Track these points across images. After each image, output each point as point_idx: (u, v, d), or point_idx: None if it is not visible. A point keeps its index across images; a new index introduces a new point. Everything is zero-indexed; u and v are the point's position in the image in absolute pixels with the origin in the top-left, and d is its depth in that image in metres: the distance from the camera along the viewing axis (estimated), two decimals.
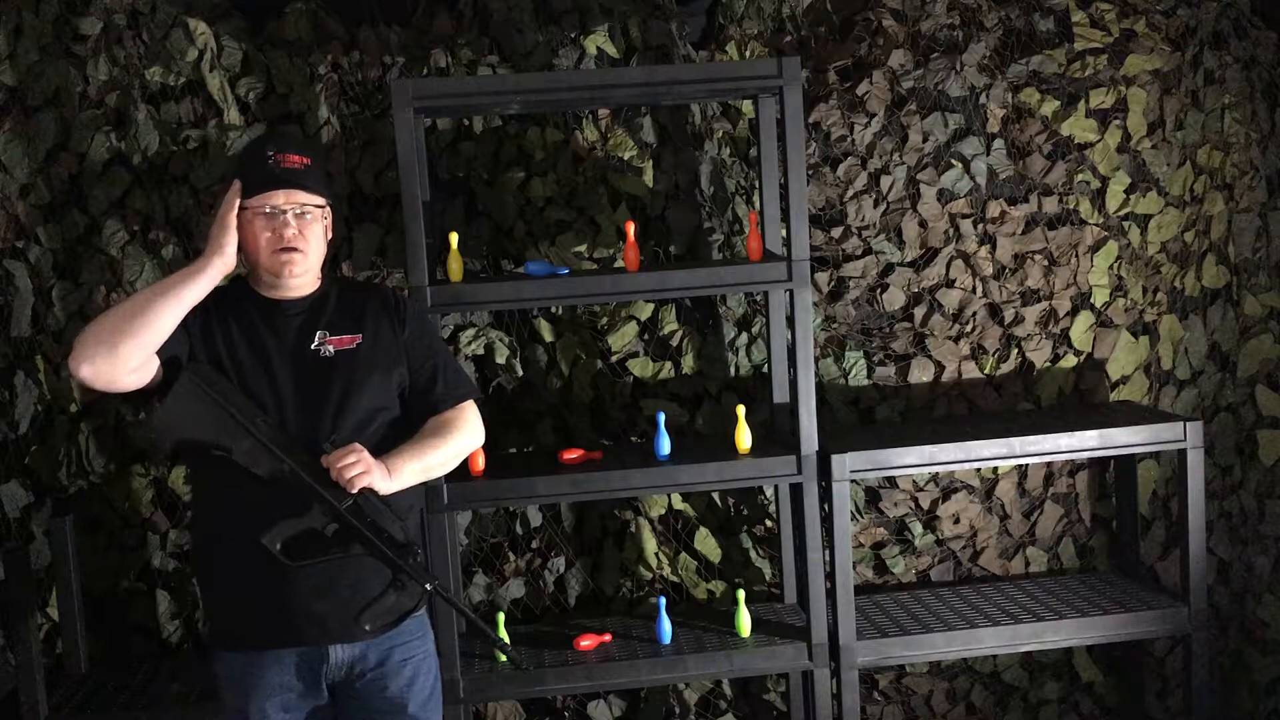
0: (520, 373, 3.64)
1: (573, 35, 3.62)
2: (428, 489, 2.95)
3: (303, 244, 2.52)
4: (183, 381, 2.44)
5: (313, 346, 2.54)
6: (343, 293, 2.64)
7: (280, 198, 2.51)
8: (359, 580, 2.48)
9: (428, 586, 2.44)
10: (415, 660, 2.61)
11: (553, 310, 3.64)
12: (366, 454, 2.42)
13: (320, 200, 2.57)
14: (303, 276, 2.56)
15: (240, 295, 2.59)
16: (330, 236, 2.62)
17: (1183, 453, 3.50)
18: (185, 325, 2.47)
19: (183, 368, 2.46)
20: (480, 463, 3.29)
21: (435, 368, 2.65)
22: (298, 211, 2.52)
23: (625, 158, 3.65)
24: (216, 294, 2.56)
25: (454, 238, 3.31)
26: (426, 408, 2.64)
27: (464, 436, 2.66)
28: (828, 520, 3.45)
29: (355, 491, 2.39)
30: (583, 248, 3.63)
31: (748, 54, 3.75)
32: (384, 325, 2.61)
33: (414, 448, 2.55)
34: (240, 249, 2.53)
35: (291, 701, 2.52)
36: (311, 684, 2.53)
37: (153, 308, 2.40)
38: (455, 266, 3.30)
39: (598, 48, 3.63)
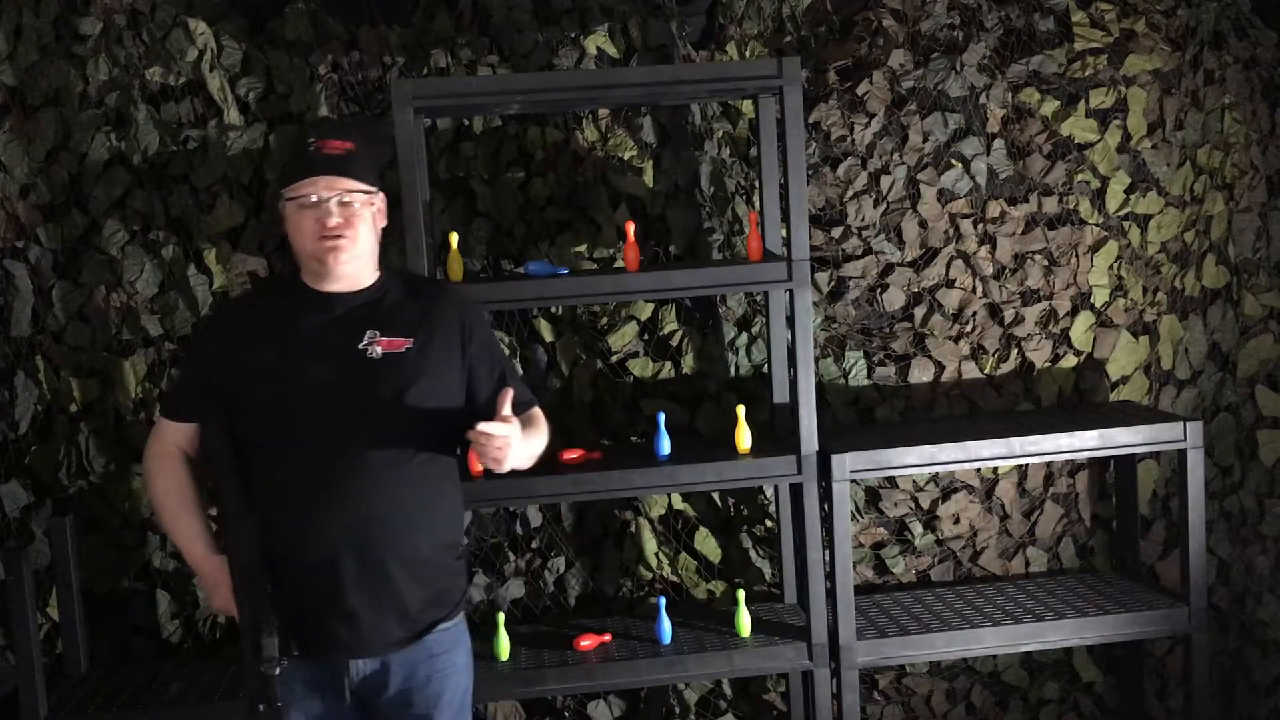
0: (520, 373, 3.64)
1: (573, 35, 3.62)
2: None
3: (349, 231, 2.43)
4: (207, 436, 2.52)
5: (360, 345, 2.45)
6: (400, 289, 2.55)
7: (320, 185, 2.42)
8: (379, 598, 2.45)
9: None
10: (443, 674, 2.54)
11: (553, 310, 3.64)
12: (516, 429, 2.37)
13: (364, 187, 2.46)
14: (351, 264, 2.46)
15: (291, 287, 2.52)
16: (385, 224, 2.54)
17: (1183, 453, 3.50)
18: (212, 374, 2.50)
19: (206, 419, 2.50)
20: (480, 463, 3.29)
21: (503, 376, 2.59)
22: (342, 199, 2.43)
23: (625, 158, 3.65)
24: (263, 286, 2.50)
25: (454, 238, 3.31)
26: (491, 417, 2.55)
27: (544, 432, 2.61)
28: (828, 520, 3.45)
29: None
30: (583, 248, 3.63)
31: (748, 54, 3.75)
32: (440, 332, 2.52)
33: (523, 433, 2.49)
34: (291, 241, 2.51)
35: (314, 709, 2.48)
36: (334, 694, 2.48)
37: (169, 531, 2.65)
38: (455, 266, 3.30)
39: (598, 48, 3.63)
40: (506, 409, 2.39)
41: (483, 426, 2.33)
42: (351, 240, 2.44)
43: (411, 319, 2.50)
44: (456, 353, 2.53)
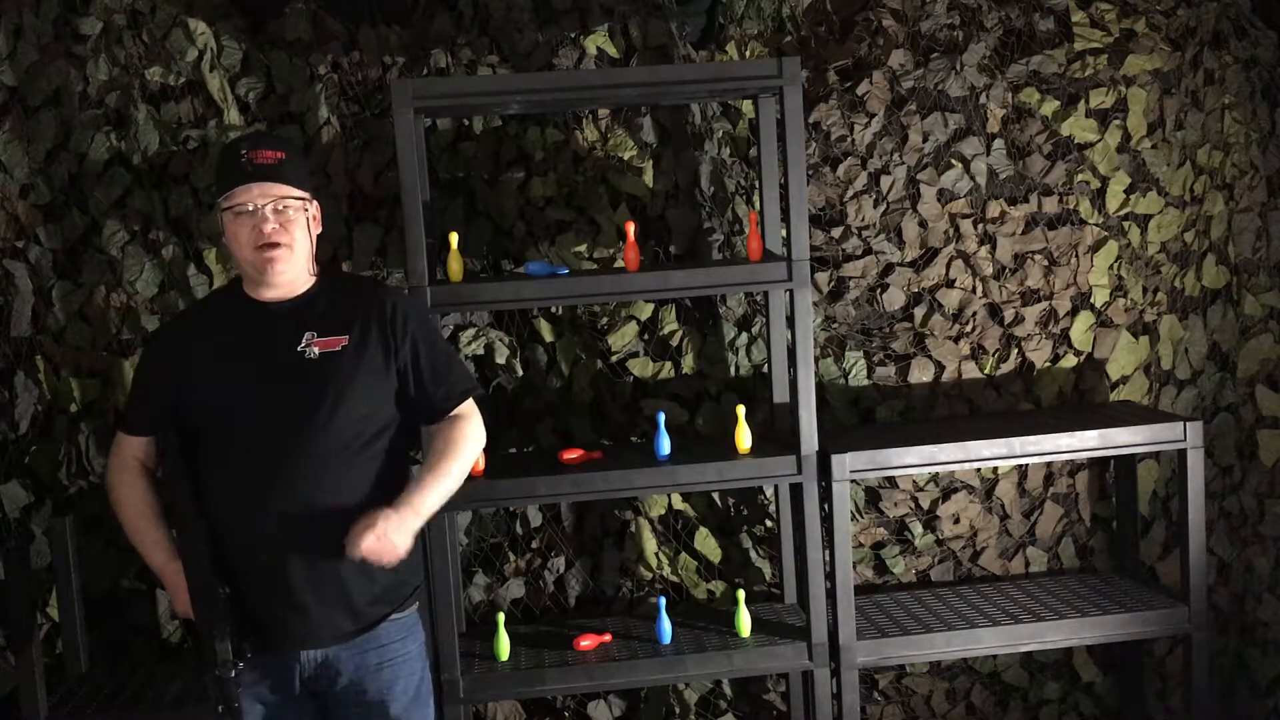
0: (520, 373, 3.64)
1: (573, 35, 3.62)
2: None
3: (285, 238, 2.48)
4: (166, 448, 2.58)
5: (299, 348, 2.50)
6: (334, 290, 2.59)
7: (254, 193, 2.47)
8: (328, 592, 2.49)
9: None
10: (395, 663, 2.58)
11: (553, 310, 3.64)
12: (381, 524, 2.38)
13: (298, 193, 2.51)
14: (290, 272, 2.51)
15: (232, 298, 2.59)
16: (319, 230, 2.59)
17: (1183, 453, 3.50)
18: (161, 387, 2.56)
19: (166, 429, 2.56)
20: (480, 463, 3.29)
21: (435, 370, 2.60)
22: (277, 207, 2.47)
23: (625, 158, 3.65)
24: (206, 300, 2.59)
25: (454, 238, 3.31)
26: (429, 409, 2.60)
27: (471, 445, 2.62)
28: (828, 520, 3.45)
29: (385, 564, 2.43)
30: (583, 248, 3.63)
31: (748, 54, 3.75)
32: (374, 328, 2.54)
33: (431, 475, 2.53)
34: (230, 250, 2.55)
35: (264, 695, 2.53)
36: (286, 685, 2.53)
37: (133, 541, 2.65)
38: (455, 266, 3.30)
39: (598, 48, 3.63)
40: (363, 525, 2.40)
41: (351, 551, 2.38)
42: (289, 248, 2.49)
43: (345, 316, 2.53)
44: (389, 344, 2.55)
